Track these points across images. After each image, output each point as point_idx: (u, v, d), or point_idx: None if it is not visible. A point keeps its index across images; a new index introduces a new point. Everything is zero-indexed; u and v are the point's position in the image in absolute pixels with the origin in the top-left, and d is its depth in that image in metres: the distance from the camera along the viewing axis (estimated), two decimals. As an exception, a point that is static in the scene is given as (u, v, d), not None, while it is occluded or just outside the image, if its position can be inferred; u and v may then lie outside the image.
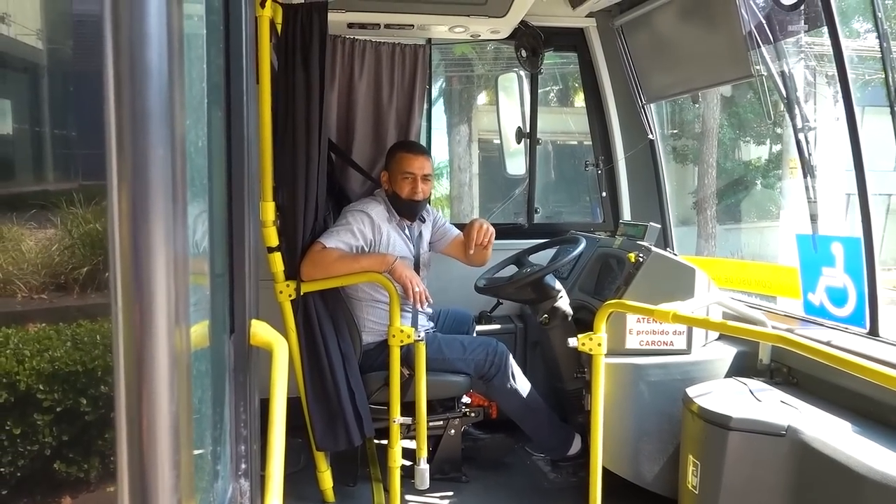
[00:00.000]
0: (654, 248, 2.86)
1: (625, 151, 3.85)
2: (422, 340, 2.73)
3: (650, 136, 3.76)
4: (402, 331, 2.70)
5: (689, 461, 2.37)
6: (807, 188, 2.87)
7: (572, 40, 3.84)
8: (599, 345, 2.41)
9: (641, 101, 3.74)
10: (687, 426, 2.43)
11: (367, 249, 2.88)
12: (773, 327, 2.59)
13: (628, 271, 2.85)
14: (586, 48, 3.83)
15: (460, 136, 10.62)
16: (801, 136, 2.85)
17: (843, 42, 2.51)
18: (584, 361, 2.86)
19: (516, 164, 3.89)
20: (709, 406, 2.29)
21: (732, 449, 2.19)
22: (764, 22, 2.86)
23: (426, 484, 2.80)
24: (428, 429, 2.88)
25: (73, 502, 2.81)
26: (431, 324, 3.14)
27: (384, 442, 2.89)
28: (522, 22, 3.50)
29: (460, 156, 10.54)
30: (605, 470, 2.50)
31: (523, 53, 3.77)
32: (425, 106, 3.52)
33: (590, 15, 3.70)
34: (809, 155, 2.85)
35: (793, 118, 2.85)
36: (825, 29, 2.55)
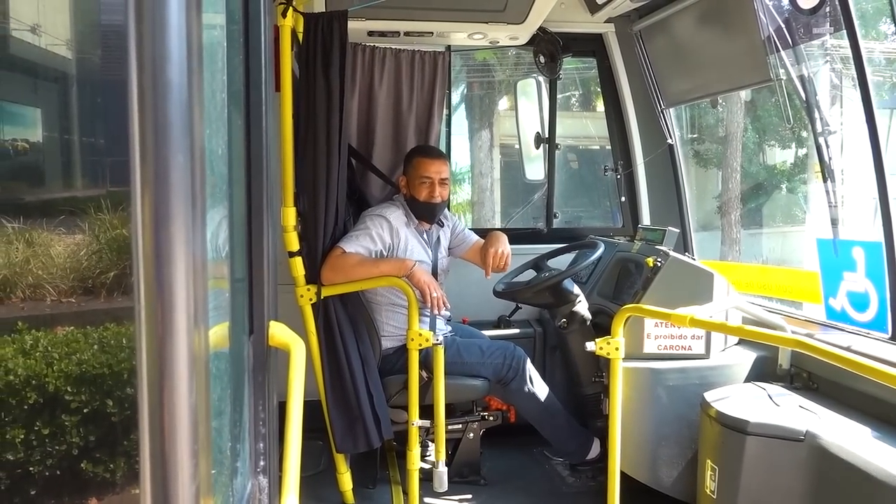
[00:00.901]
0: (671, 253, 2.86)
1: (644, 156, 3.85)
2: (440, 344, 2.76)
3: (669, 141, 3.76)
4: (420, 334, 2.72)
5: (706, 466, 2.37)
6: (827, 192, 2.85)
7: (591, 46, 3.85)
8: (617, 349, 2.42)
9: (660, 106, 3.74)
10: (705, 431, 2.43)
11: (385, 254, 2.92)
12: (793, 332, 2.58)
13: (646, 276, 2.85)
14: (605, 53, 3.84)
15: (481, 141, 10.65)
16: (821, 140, 2.84)
17: (869, 45, 2.50)
18: (602, 365, 2.87)
19: (535, 169, 3.90)
20: (727, 410, 2.28)
21: (750, 454, 2.19)
22: (783, 26, 2.85)
23: (445, 486, 2.83)
24: (447, 432, 2.91)
25: (100, 502, 2.87)
26: (449, 328, 3.16)
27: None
28: (541, 28, 3.52)
29: (482, 161, 10.56)
30: (623, 474, 2.51)
31: (542, 59, 3.79)
32: (445, 112, 3.55)
33: (608, 20, 3.71)
34: (830, 159, 2.84)
35: (813, 122, 2.83)
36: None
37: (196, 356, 0.56)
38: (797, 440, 2.13)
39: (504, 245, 3.00)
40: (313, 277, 2.79)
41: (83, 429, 2.88)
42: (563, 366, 3.46)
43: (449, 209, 3.30)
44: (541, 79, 3.77)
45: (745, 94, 9.13)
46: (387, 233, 2.91)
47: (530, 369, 3.09)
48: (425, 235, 3.10)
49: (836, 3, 2.55)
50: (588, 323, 3.04)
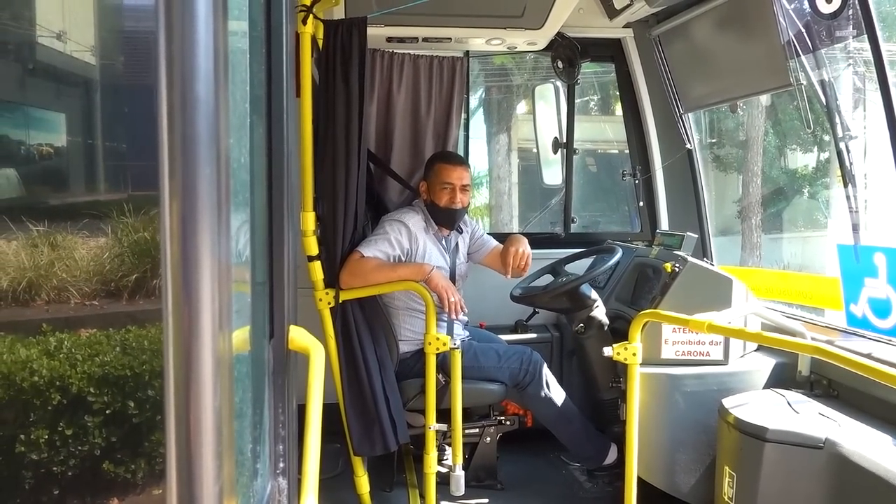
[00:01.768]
0: (690, 258, 2.85)
1: (662, 161, 3.84)
2: (458, 348, 2.77)
3: (688, 146, 3.75)
4: (438, 339, 2.74)
5: (724, 473, 2.35)
6: (848, 198, 2.83)
7: (609, 51, 3.85)
8: (634, 354, 2.42)
9: (679, 111, 3.72)
10: (723, 437, 2.41)
11: (403, 259, 2.94)
12: (813, 338, 2.56)
13: (664, 281, 2.85)
14: (623, 58, 3.83)
15: (500, 145, 10.65)
16: (842, 144, 2.82)
17: (892, 48, 2.48)
18: (619, 371, 2.87)
19: (553, 174, 3.91)
20: (745, 417, 2.27)
21: (768, 461, 2.17)
22: (803, 30, 2.83)
23: (461, 490, 2.84)
24: (464, 436, 2.92)
25: (121, 502, 2.92)
26: (467, 332, 3.18)
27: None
28: (559, 33, 3.53)
29: (500, 165, 10.56)
30: (640, 480, 2.50)
31: (560, 64, 3.79)
32: (463, 116, 3.57)
33: (627, 25, 3.71)
34: (851, 164, 2.82)
35: (833, 127, 2.82)
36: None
37: (220, 359, 0.58)
38: (816, 448, 2.11)
39: (525, 245, 3.02)
40: (332, 281, 2.81)
41: (105, 429, 2.93)
42: (581, 371, 3.46)
43: (468, 214, 3.31)
44: (559, 84, 3.78)
45: (765, 99, 9.05)
46: (405, 238, 2.93)
47: (547, 374, 3.09)
48: (444, 241, 3.11)
49: (857, 5, 2.54)
50: (605, 328, 3.04)
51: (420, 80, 3.37)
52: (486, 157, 10.59)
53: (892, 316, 2.63)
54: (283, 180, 1.17)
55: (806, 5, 2.80)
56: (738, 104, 4.22)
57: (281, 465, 1.12)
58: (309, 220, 2.69)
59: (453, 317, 2.87)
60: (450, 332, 2.94)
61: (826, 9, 2.69)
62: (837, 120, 2.81)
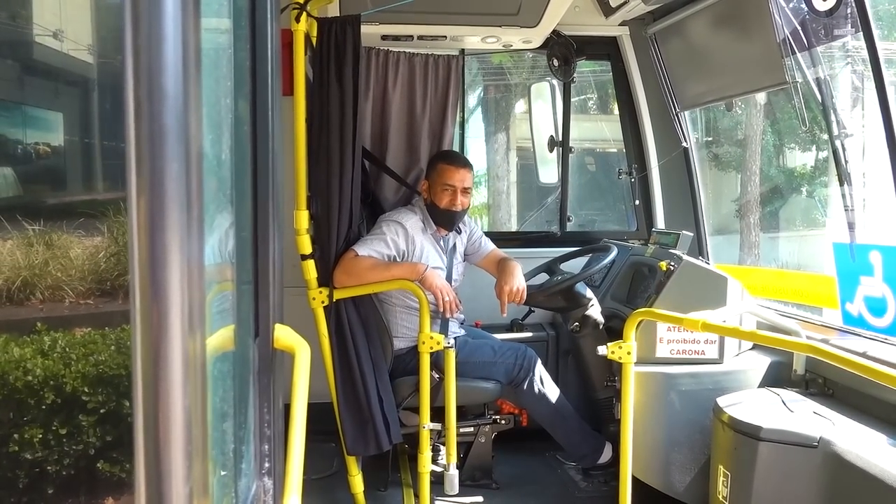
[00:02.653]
0: (685, 257, 2.84)
1: (658, 159, 3.83)
2: (451, 348, 2.76)
3: (684, 144, 3.74)
4: (431, 337, 2.73)
5: (719, 472, 2.35)
6: (844, 196, 2.82)
7: (605, 49, 3.85)
8: (629, 353, 2.41)
9: (675, 109, 3.72)
10: (717, 436, 2.41)
11: (398, 259, 2.92)
12: (808, 337, 2.56)
13: (659, 280, 2.84)
14: (619, 57, 3.83)
15: (497, 144, 10.63)
16: (838, 143, 2.81)
17: (889, 46, 2.47)
18: (614, 370, 2.86)
19: (549, 173, 3.90)
20: (739, 416, 2.27)
21: (763, 460, 2.17)
22: (799, 28, 2.83)
23: (455, 489, 2.84)
24: (458, 435, 2.91)
25: (116, 502, 2.92)
26: (463, 331, 3.17)
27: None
28: (555, 31, 3.52)
29: (497, 164, 10.54)
30: (635, 479, 2.50)
31: (555, 62, 3.78)
32: (459, 115, 3.56)
33: (623, 23, 3.71)
34: (847, 162, 2.82)
35: (829, 125, 2.81)
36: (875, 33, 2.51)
37: (191, 360, 0.57)
38: (811, 446, 2.11)
39: (519, 280, 2.92)
40: (326, 280, 2.80)
41: (100, 429, 2.92)
42: (576, 370, 3.46)
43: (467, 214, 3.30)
44: (555, 82, 3.77)
45: (763, 97, 9.05)
46: (402, 239, 2.92)
47: (542, 371, 3.09)
48: (442, 241, 3.11)
49: (853, 3, 2.53)
50: (601, 327, 3.04)
51: (415, 78, 3.35)
52: (485, 156, 10.57)
53: (888, 314, 2.63)
54: (269, 178, 1.16)
55: (802, 3, 2.79)
56: (733, 102, 4.21)
57: (266, 464, 1.12)
58: (302, 219, 2.68)
59: (448, 316, 2.86)
60: (444, 330, 2.93)
61: (822, 6, 2.69)
62: (833, 118, 2.80)
